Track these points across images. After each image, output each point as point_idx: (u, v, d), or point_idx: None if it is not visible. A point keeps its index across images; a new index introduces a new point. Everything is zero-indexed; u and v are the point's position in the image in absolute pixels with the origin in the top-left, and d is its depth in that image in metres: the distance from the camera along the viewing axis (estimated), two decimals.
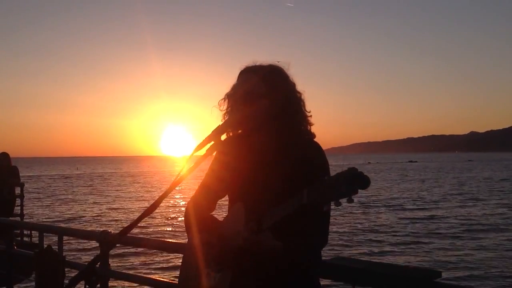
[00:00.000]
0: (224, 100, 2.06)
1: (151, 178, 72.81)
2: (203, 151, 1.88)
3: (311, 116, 2.04)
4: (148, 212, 1.79)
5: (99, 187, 53.67)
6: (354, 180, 1.42)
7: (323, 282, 2.18)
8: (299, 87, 2.05)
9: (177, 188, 1.90)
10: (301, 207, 1.62)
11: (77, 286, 1.82)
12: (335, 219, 25.25)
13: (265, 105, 1.96)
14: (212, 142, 1.89)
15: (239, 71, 2.05)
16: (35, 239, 10.94)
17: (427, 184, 50.20)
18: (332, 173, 1.57)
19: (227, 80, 2.08)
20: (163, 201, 1.84)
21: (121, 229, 1.85)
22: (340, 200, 1.48)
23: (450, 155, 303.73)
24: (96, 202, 36.79)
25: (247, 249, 1.81)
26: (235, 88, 2.03)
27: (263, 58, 2.07)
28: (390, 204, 32.36)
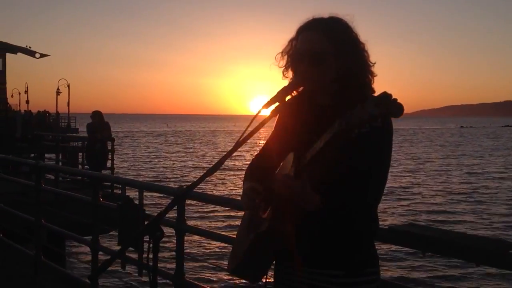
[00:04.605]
0: (282, 56, 1.99)
1: (237, 136, 74.21)
2: (268, 112, 1.86)
3: (374, 65, 1.92)
4: (212, 171, 1.80)
5: (187, 144, 55.41)
6: (382, 101, 1.44)
7: (393, 247, 2.12)
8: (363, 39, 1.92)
9: (241, 148, 1.90)
10: (337, 136, 1.56)
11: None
12: (404, 185, 24.67)
13: (332, 64, 1.88)
14: (277, 103, 1.85)
15: (298, 26, 1.94)
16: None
17: None
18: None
19: None
20: (227, 160, 1.84)
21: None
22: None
23: None
24: (182, 160, 38.11)
25: (282, 193, 1.76)
26: (296, 47, 1.94)
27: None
28: (473, 171, 31.07)
